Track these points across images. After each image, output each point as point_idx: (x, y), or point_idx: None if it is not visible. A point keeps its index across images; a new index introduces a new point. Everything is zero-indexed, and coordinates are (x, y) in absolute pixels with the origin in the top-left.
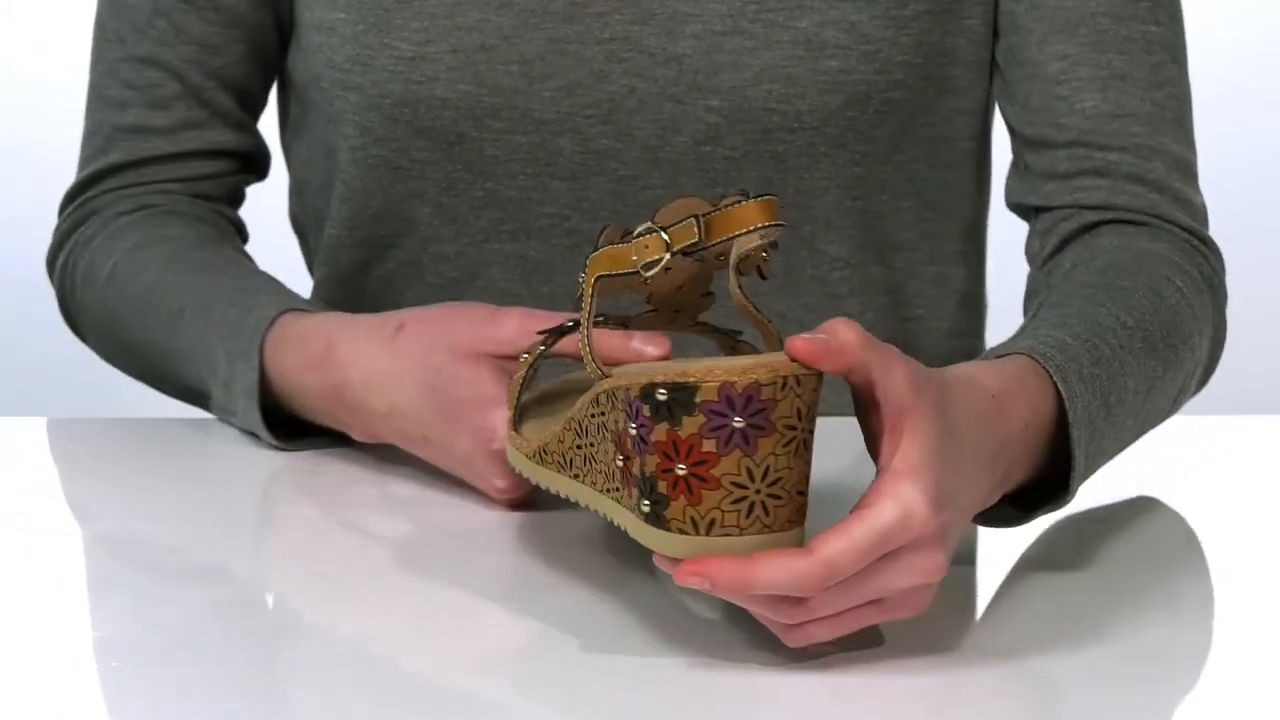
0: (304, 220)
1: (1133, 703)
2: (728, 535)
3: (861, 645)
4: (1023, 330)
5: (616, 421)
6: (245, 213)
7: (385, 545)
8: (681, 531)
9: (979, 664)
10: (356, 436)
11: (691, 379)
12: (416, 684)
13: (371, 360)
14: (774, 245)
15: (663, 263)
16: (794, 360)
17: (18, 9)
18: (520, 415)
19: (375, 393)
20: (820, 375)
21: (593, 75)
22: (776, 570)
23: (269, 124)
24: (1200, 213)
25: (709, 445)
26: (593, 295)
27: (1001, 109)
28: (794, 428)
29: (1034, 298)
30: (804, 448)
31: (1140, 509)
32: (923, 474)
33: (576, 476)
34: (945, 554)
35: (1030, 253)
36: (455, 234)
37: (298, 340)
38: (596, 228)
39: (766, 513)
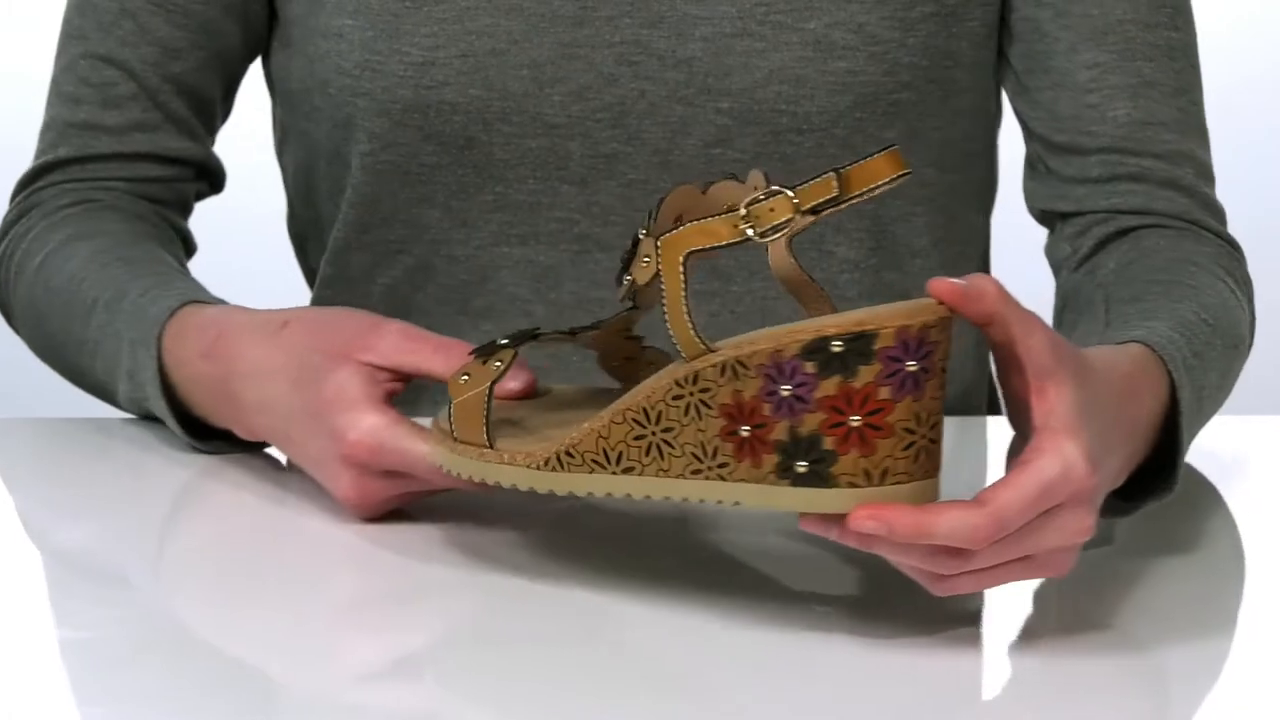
0: (300, 229)
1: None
2: (897, 483)
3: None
4: (1106, 324)
5: (737, 393)
6: (239, 221)
7: (305, 550)
8: (852, 485)
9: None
10: (239, 433)
11: (870, 327)
12: (310, 695)
13: (254, 351)
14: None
15: (792, 224)
16: (938, 301)
17: (18, 9)
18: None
19: (252, 385)
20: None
21: (603, 79)
22: (953, 520)
23: (266, 134)
24: (1223, 216)
25: (884, 393)
26: (684, 272)
27: (1021, 114)
28: (945, 370)
29: (1074, 299)
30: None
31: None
32: (1080, 432)
33: (630, 470)
34: (1094, 517)
35: (1058, 256)
36: (466, 237)
37: (196, 329)
38: (606, 232)
39: (928, 458)
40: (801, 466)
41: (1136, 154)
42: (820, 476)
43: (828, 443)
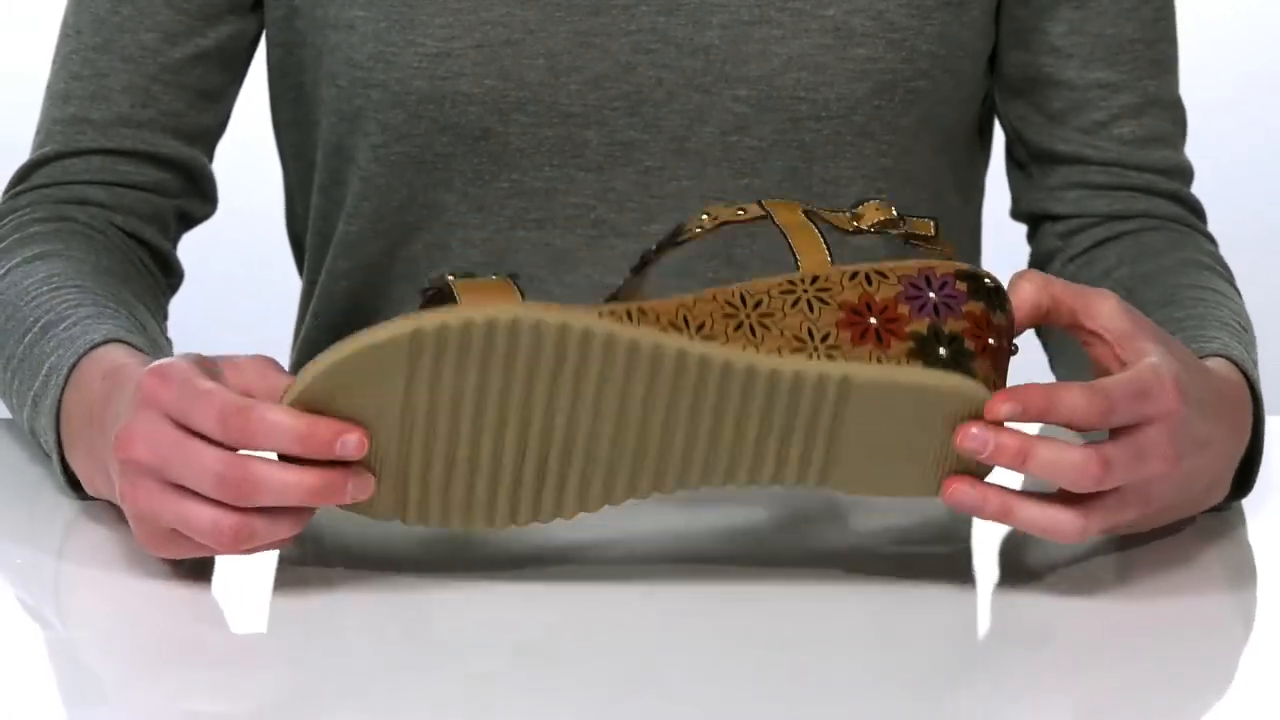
0: (300, 227)
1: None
2: None
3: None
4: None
5: (867, 294)
6: (239, 222)
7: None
8: (989, 385)
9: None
10: (77, 462)
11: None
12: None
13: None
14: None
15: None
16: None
17: (17, 9)
18: None
19: (101, 402)
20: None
21: (620, 67)
22: (1073, 396)
23: (265, 136)
24: (1205, 215)
25: (1006, 341)
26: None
27: (1014, 118)
28: None
29: None
30: None
31: None
32: (1172, 362)
33: (712, 340)
34: (1181, 457)
35: (1046, 249)
36: (482, 221)
37: (103, 357)
38: (622, 218)
39: None
40: (944, 351)
41: (1140, 169)
42: (961, 365)
43: (969, 344)
